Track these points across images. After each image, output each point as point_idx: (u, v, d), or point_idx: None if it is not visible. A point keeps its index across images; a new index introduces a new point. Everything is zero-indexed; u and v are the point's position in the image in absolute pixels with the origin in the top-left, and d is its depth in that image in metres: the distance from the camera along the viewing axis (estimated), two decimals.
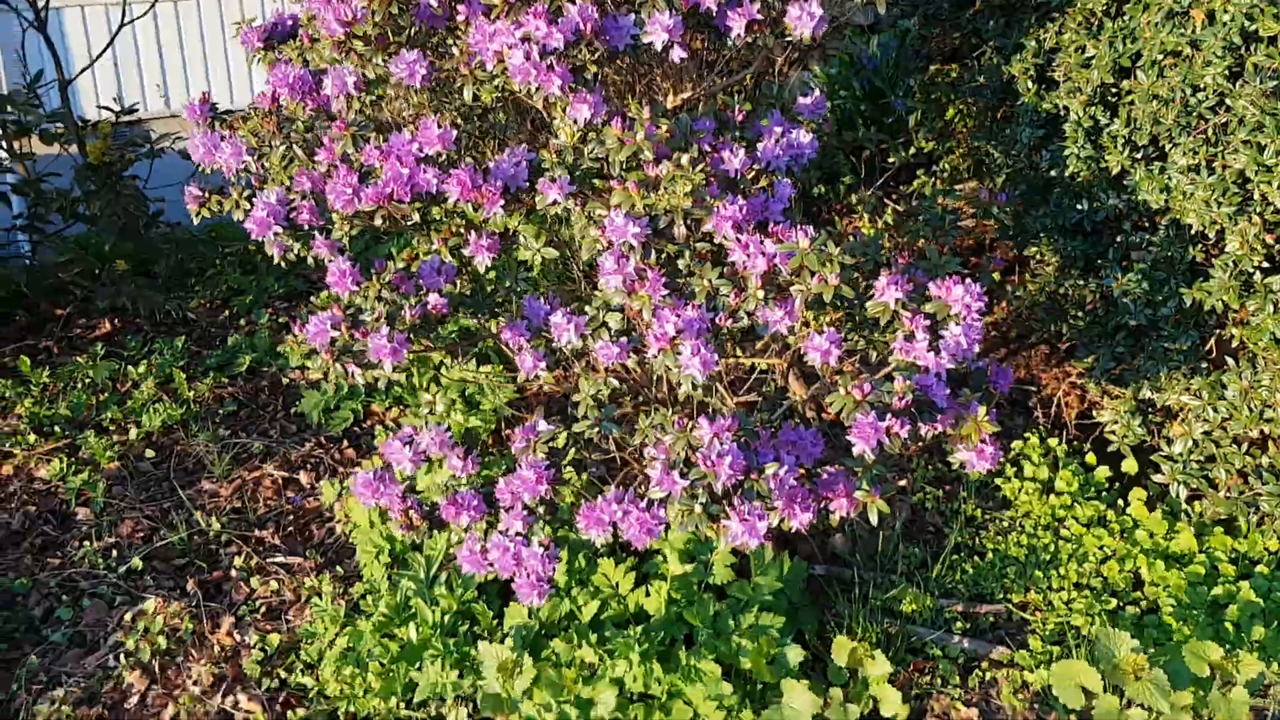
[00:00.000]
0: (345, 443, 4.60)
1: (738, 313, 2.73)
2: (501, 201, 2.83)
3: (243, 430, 4.73)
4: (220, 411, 4.84)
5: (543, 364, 2.83)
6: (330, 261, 2.96)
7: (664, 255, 2.82)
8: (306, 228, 3.04)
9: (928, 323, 2.61)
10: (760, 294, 2.67)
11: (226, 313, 5.81)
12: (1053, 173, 3.63)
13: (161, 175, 6.23)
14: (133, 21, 6.78)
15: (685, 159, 2.78)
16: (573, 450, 2.95)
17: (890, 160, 5.02)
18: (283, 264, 3.08)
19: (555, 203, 2.82)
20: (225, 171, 3.24)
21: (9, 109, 5.77)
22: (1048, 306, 3.87)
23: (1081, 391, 4.10)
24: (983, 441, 2.64)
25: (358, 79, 2.96)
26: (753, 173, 2.98)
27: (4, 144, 5.74)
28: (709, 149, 2.97)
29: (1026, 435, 4.01)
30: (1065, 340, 4.11)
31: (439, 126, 2.87)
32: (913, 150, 4.96)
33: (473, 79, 2.88)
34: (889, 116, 5.69)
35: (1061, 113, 3.63)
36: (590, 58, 2.81)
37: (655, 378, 3.37)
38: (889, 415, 2.53)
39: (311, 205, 3.04)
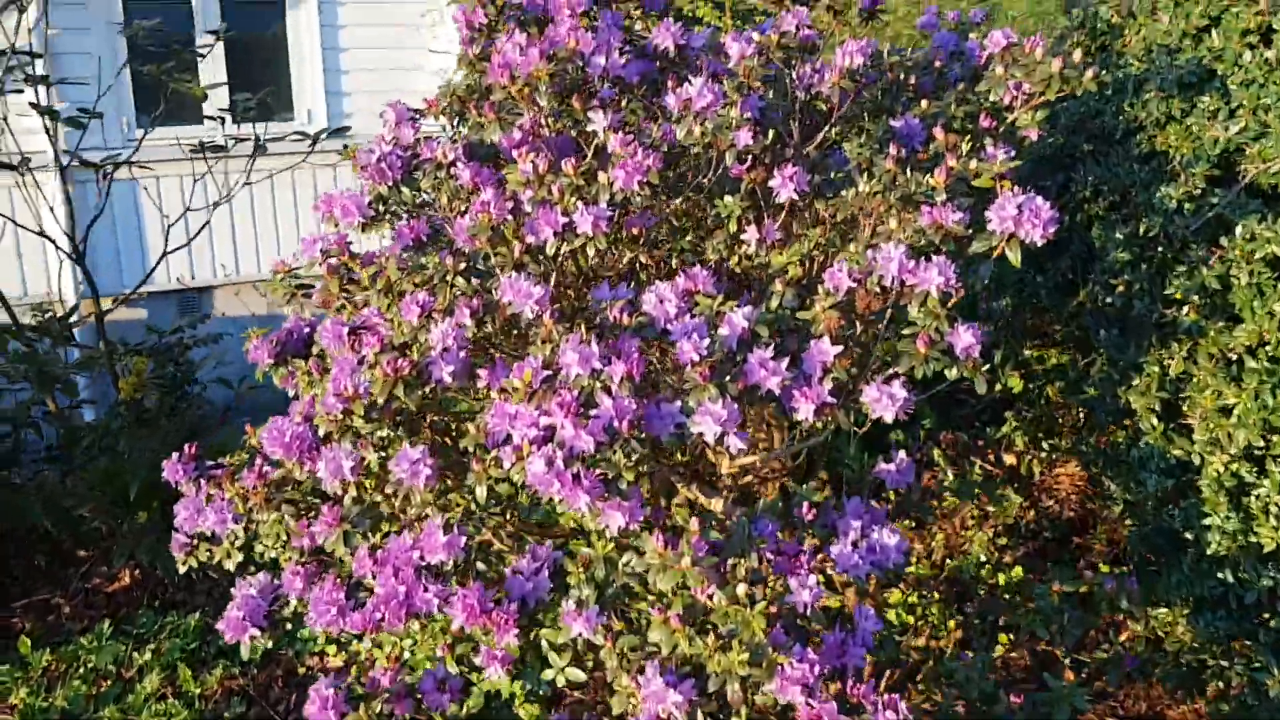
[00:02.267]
0: None
1: None
2: (516, 630, 2.32)
3: None
4: (227, 715, 4.35)
5: None
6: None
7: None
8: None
9: None
10: None
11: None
12: (1187, 533, 3.03)
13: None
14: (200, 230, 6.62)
15: (742, 589, 2.25)
16: None
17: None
18: None
19: (580, 635, 2.30)
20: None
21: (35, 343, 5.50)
22: (1181, 677, 3.22)
23: None
24: None
25: (356, 463, 2.50)
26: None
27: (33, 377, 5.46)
28: (771, 555, 2.44)
29: None
30: None
31: (445, 530, 2.38)
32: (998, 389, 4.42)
33: (485, 475, 2.40)
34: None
35: (1196, 463, 3.05)
36: (627, 462, 2.31)
37: None
38: None
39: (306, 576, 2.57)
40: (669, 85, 3.20)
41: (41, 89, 5.85)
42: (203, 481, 2.86)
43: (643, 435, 2.35)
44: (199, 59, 6.39)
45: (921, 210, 2.56)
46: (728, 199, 2.87)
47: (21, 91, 5.76)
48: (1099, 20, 3.91)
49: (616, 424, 2.32)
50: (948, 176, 2.60)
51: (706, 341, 2.44)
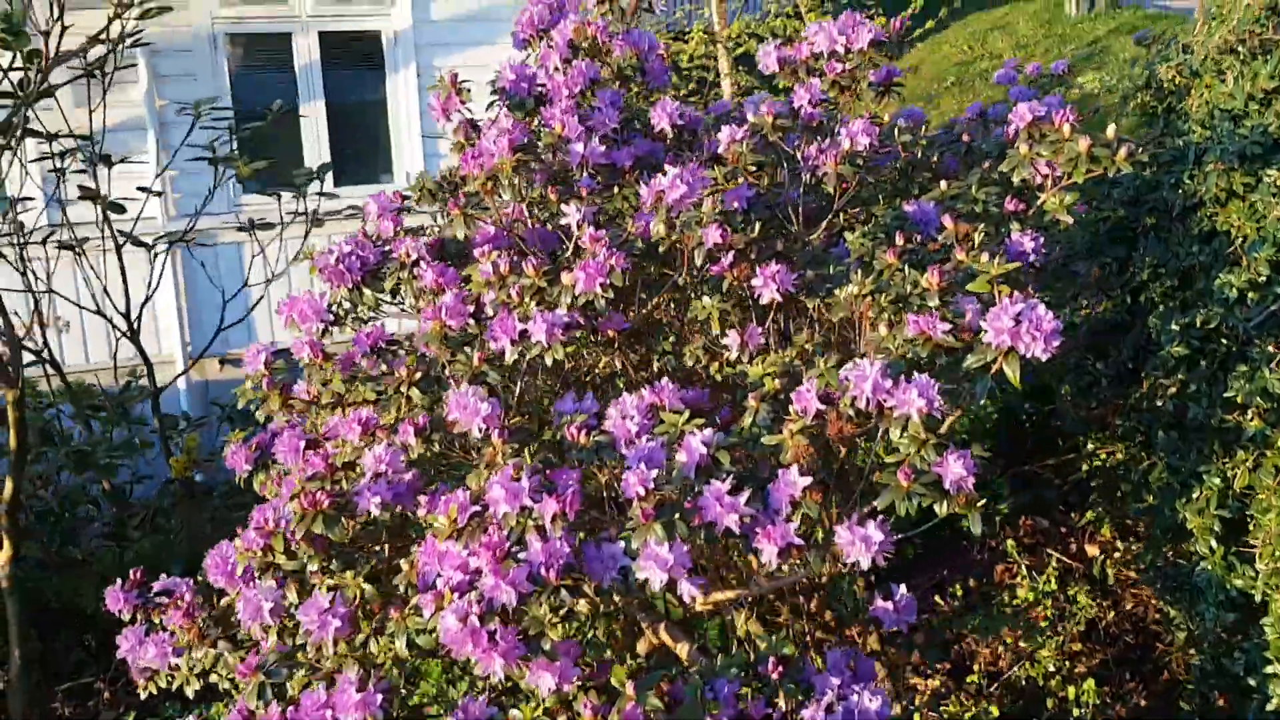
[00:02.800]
0: None
1: None
2: None
3: None
4: None
5: None
6: None
7: None
8: None
9: None
10: None
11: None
12: (1250, 679, 2.60)
13: None
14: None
15: None
16: None
17: None
18: None
19: None
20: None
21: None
22: None
23: None
24: None
25: (276, 603, 2.28)
26: None
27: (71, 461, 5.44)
28: None
29: None
30: None
31: (360, 688, 2.14)
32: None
33: (404, 626, 2.15)
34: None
35: (1259, 599, 2.62)
36: (553, 618, 2.03)
37: None
38: None
39: None
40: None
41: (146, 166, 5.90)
42: (150, 610, 2.68)
43: (574, 583, 2.08)
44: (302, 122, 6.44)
45: (907, 318, 2.24)
46: (705, 299, 2.59)
47: (84, 172, 5.83)
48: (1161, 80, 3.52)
49: (544, 572, 2.06)
50: (940, 277, 2.27)
51: (655, 473, 2.16)
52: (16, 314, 6.00)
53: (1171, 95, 3.56)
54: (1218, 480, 2.83)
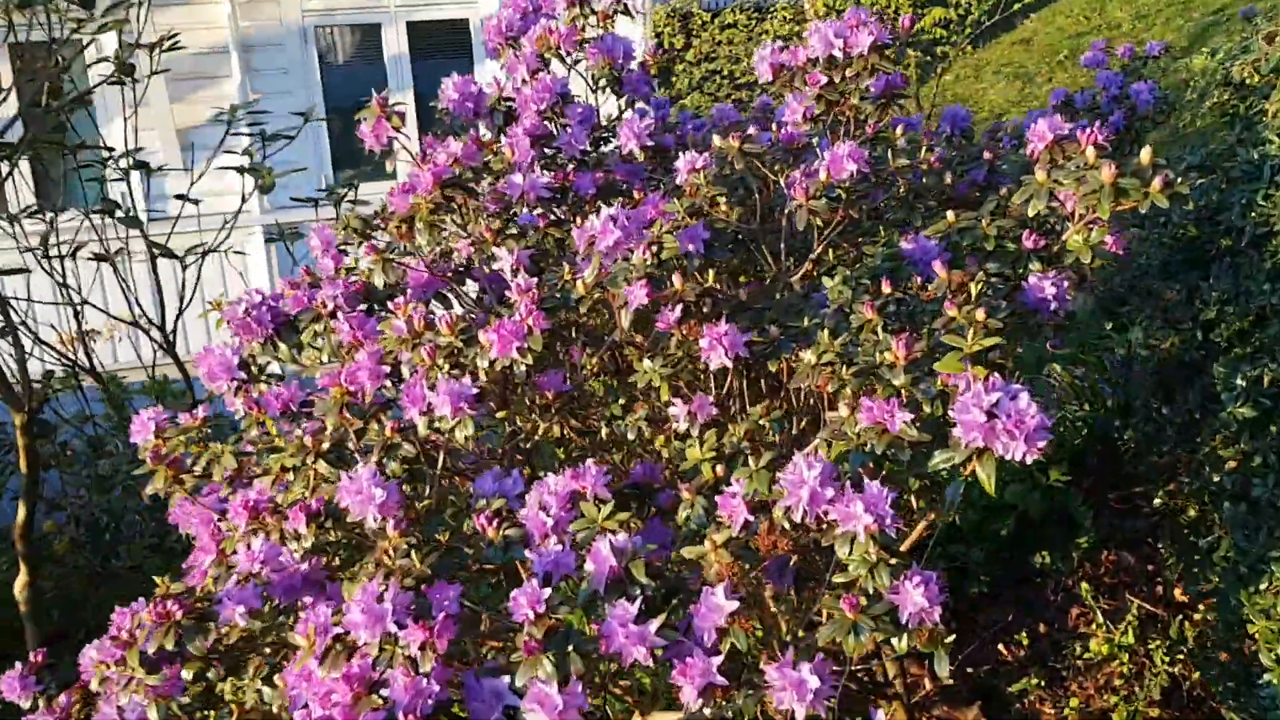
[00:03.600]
0: None
1: None
2: None
3: None
4: None
5: None
6: None
7: None
8: None
9: None
10: None
11: None
12: None
13: None
14: None
15: None
16: None
17: None
18: None
19: None
20: None
21: None
22: None
23: None
24: None
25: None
26: None
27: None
28: None
29: None
30: None
31: None
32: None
33: None
34: None
35: None
36: None
37: None
38: None
39: None
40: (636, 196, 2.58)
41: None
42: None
43: None
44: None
45: (862, 404, 1.81)
46: (648, 362, 2.20)
47: (121, 180, 5.67)
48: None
49: (402, 717, 1.70)
50: (908, 349, 1.83)
51: (547, 593, 1.78)
52: (51, 326, 5.92)
53: (1254, 94, 3.01)
54: None
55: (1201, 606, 4.13)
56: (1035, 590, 4.68)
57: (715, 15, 12.40)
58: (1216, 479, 2.42)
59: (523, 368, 2.12)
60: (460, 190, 2.39)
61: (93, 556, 5.26)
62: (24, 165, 5.29)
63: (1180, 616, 4.03)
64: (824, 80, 2.41)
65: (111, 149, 5.47)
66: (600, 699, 2.34)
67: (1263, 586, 2.38)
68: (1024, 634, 4.36)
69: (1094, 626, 4.26)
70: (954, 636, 1.75)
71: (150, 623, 1.92)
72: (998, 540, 4.70)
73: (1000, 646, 4.36)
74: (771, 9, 11.91)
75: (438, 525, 2.12)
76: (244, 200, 5.70)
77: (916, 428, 1.76)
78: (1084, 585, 4.42)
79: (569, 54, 2.80)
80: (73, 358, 5.31)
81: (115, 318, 6.00)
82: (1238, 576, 2.50)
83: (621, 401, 2.33)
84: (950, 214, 2.40)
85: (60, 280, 5.26)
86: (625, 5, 2.91)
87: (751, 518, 1.76)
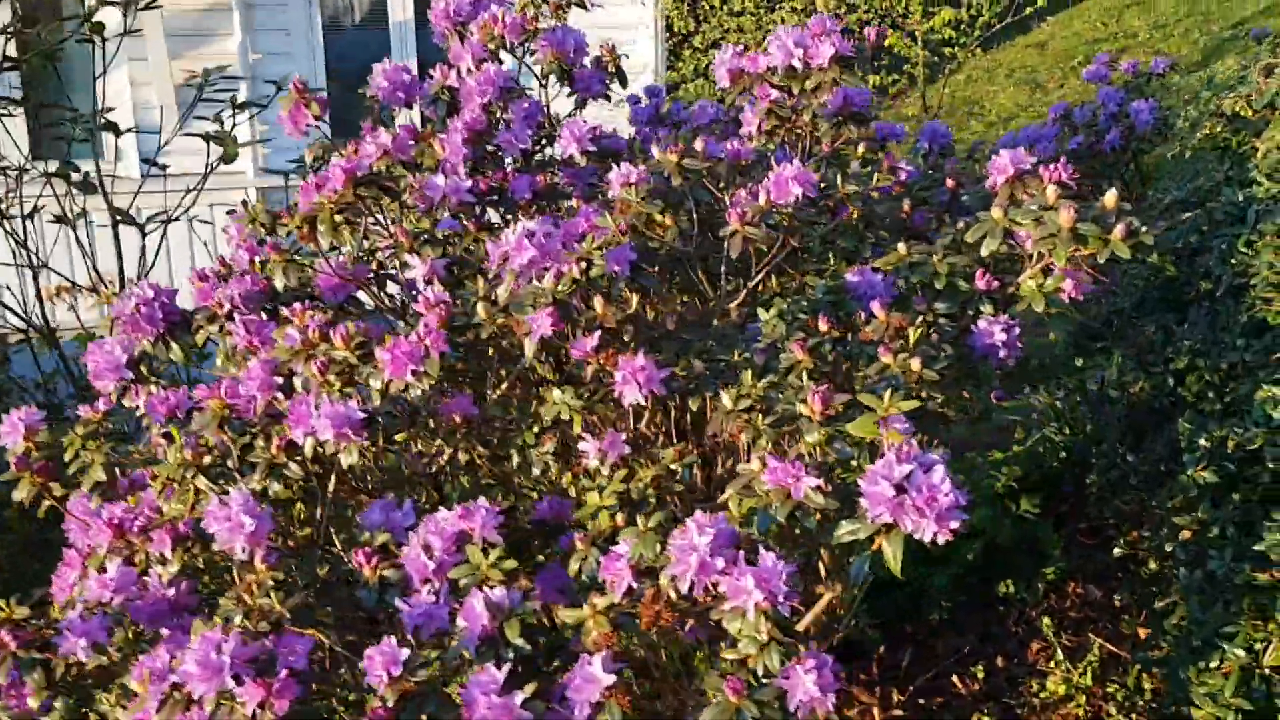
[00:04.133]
0: None
1: None
2: None
3: None
4: None
5: None
6: None
7: None
8: None
9: None
10: None
11: None
12: None
13: None
14: None
15: None
16: None
17: None
18: None
19: None
20: None
21: None
22: None
23: None
24: None
25: None
26: None
27: None
28: None
29: None
30: None
31: None
32: None
33: None
34: None
35: None
36: None
37: None
38: None
39: None
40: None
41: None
42: None
43: None
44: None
45: (769, 464, 1.63)
46: (557, 392, 2.02)
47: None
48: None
49: None
50: (824, 405, 1.65)
51: (406, 654, 1.61)
52: (6, 287, 5.74)
53: (1246, 128, 2.82)
54: (1242, 651, 2.15)
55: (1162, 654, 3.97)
56: (997, 619, 4.51)
57: (725, 0, 12.15)
58: (1169, 548, 2.24)
59: (418, 392, 1.94)
60: (376, 188, 2.21)
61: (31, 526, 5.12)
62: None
63: (1138, 668, 3.86)
64: (773, 94, 2.22)
65: (75, 109, 5.29)
66: None
67: (1213, 664, 2.21)
68: (981, 666, 4.19)
69: (1053, 664, 4.10)
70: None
71: None
72: (964, 564, 4.53)
73: (955, 678, 4.19)
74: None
75: (314, 559, 1.95)
76: (210, 168, 5.51)
77: (825, 494, 1.58)
78: (1045, 620, 4.25)
79: (514, 44, 2.61)
80: (25, 316, 5.15)
81: (73, 283, 5.83)
82: (1190, 649, 2.33)
83: (536, 429, 2.15)
84: (902, 246, 2.21)
85: (19, 240, 5.10)
86: None
87: (635, 584, 1.59)
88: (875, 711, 4.08)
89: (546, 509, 2.09)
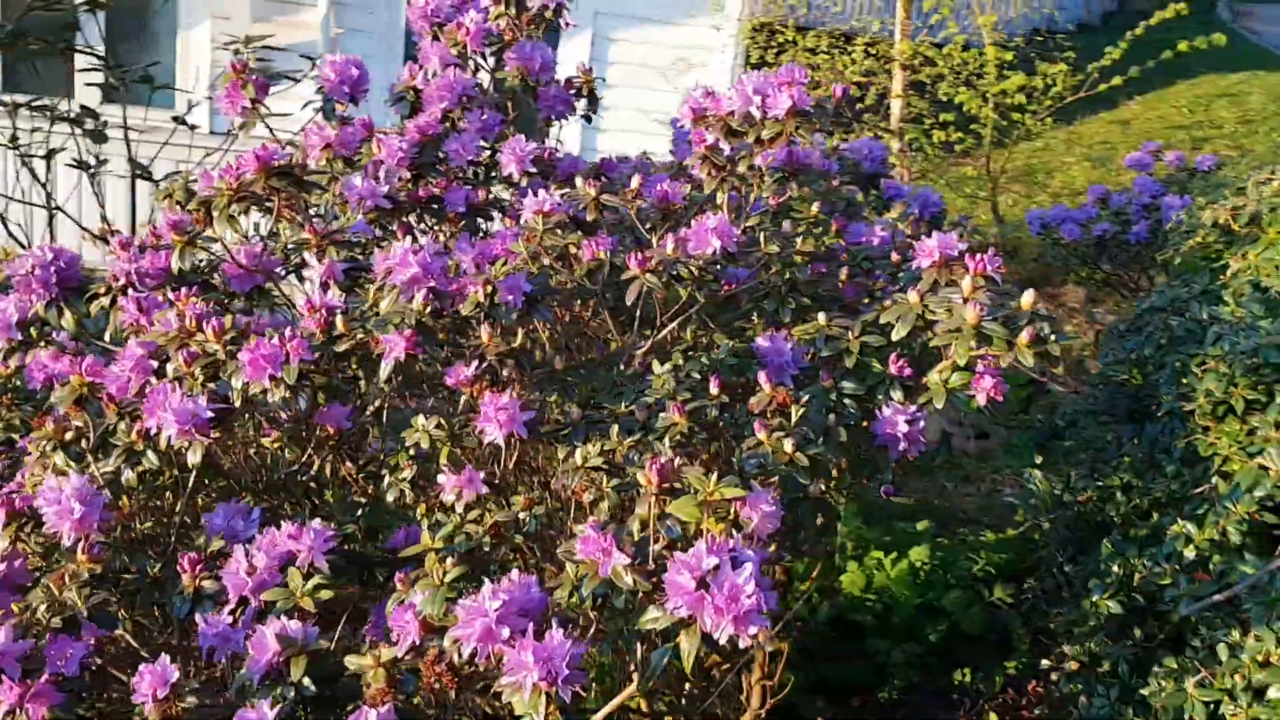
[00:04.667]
0: None
1: None
2: None
3: None
4: None
5: None
6: None
7: None
8: None
9: None
10: None
11: None
12: None
13: None
14: None
15: None
16: None
17: None
18: None
19: None
20: None
21: None
22: None
23: None
24: None
25: None
26: None
27: None
28: None
29: None
30: None
31: None
32: None
33: None
34: None
35: None
36: None
37: None
38: None
39: None
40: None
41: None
42: None
43: None
44: None
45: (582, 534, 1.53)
46: (421, 420, 1.93)
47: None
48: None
49: None
50: (661, 477, 1.54)
51: (175, 675, 1.53)
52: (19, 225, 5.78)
53: (1236, 242, 2.66)
54: None
55: None
56: (948, 706, 4.34)
57: (803, 31, 12.00)
58: (1055, 678, 2.09)
59: (276, 397, 1.86)
60: (290, 181, 2.13)
61: None
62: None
63: None
64: (709, 139, 2.11)
65: (104, 57, 5.30)
66: None
67: None
68: None
69: None
70: None
71: None
72: (926, 644, 4.37)
73: None
74: (854, 40, 11.48)
75: (144, 556, 1.87)
76: (234, 134, 5.50)
77: (638, 573, 1.47)
78: (992, 717, 4.08)
79: (474, 54, 2.53)
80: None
81: (84, 229, 5.84)
82: None
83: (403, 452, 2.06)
84: (822, 317, 2.09)
85: (41, 180, 5.12)
86: (558, 7, 2.63)
87: (418, 640, 1.49)
88: None
89: (402, 538, 2.00)
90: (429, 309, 1.79)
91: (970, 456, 5.87)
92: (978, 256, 1.91)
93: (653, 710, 2.37)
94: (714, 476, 1.46)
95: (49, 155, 5.39)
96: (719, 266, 2.02)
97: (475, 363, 1.92)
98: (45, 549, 1.93)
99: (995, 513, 5.35)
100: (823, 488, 1.93)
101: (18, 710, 1.48)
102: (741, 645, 1.38)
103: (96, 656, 1.66)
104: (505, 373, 1.94)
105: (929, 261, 1.97)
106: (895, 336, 1.94)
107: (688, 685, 2.29)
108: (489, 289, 1.97)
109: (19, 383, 2.40)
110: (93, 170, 5.35)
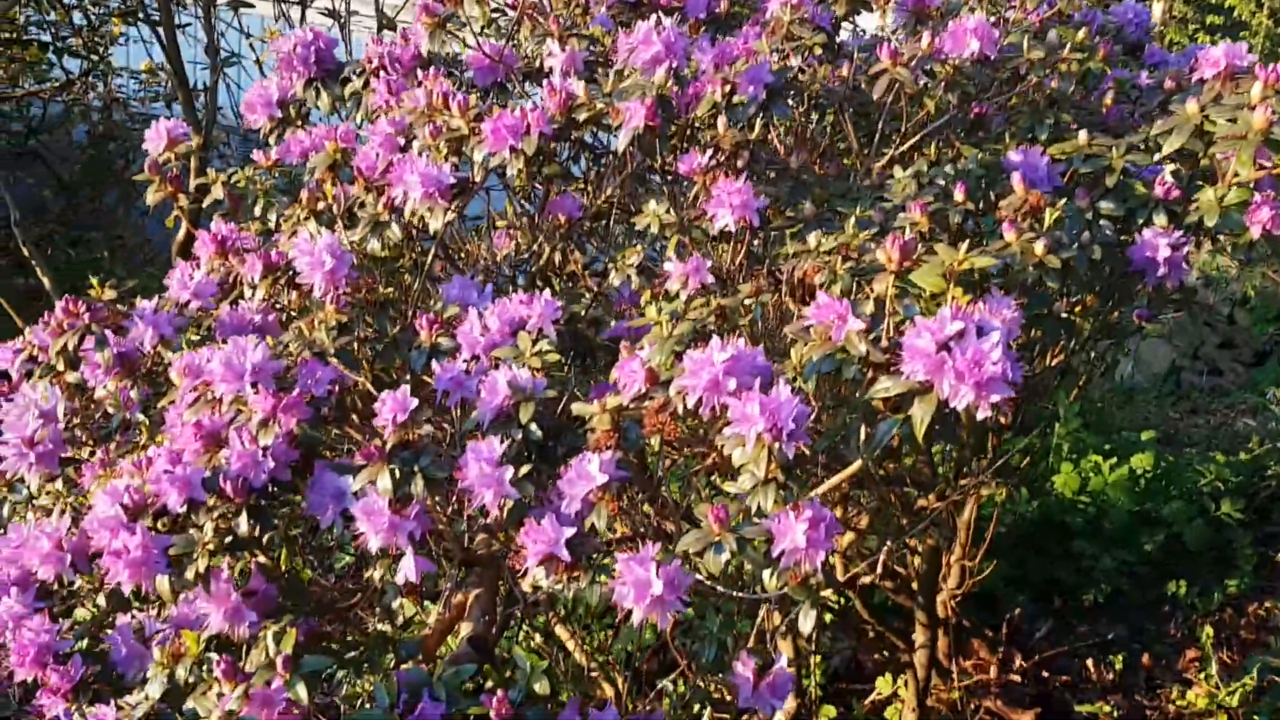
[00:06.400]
0: None
1: None
2: None
3: None
4: None
5: None
6: None
7: None
8: None
9: None
10: None
11: None
12: None
13: None
14: None
15: None
16: None
17: None
18: None
19: None
20: None
21: None
22: None
23: None
24: None
25: None
26: None
27: None
28: None
29: None
30: None
31: None
32: None
33: None
34: None
35: None
36: None
37: None
38: None
39: None
40: None
41: None
42: None
43: None
44: None
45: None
46: (653, 203, 1.92)
47: None
48: None
49: (222, 482, 1.57)
50: (903, 254, 1.48)
51: (415, 403, 1.59)
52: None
53: None
54: None
55: None
56: (1157, 619, 4.15)
57: None
58: None
59: (514, 170, 1.88)
60: None
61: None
62: None
63: None
64: None
65: None
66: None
67: None
68: (1121, 659, 3.88)
69: (1203, 676, 3.74)
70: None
71: (63, 319, 1.86)
72: (1139, 553, 4.18)
73: (1090, 663, 3.90)
74: None
75: (386, 317, 1.95)
76: None
77: (870, 342, 1.43)
78: (1207, 630, 3.88)
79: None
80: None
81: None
82: None
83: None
84: (1083, 135, 1.95)
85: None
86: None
87: (645, 388, 1.50)
88: (992, 670, 3.87)
89: (623, 328, 2.01)
90: (669, 82, 1.77)
91: (1201, 391, 5.53)
92: (1270, 66, 1.73)
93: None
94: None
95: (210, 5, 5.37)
96: (972, 68, 1.91)
97: (710, 151, 1.89)
98: (300, 308, 2.04)
99: (1225, 441, 5.02)
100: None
101: (271, 420, 1.57)
102: (979, 416, 1.32)
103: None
104: (739, 163, 1.90)
105: (1213, 71, 1.80)
106: (1166, 149, 1.79)
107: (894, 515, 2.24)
108: (727, 88, 1.93)
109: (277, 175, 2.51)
110: (343, 20, 5.49)
